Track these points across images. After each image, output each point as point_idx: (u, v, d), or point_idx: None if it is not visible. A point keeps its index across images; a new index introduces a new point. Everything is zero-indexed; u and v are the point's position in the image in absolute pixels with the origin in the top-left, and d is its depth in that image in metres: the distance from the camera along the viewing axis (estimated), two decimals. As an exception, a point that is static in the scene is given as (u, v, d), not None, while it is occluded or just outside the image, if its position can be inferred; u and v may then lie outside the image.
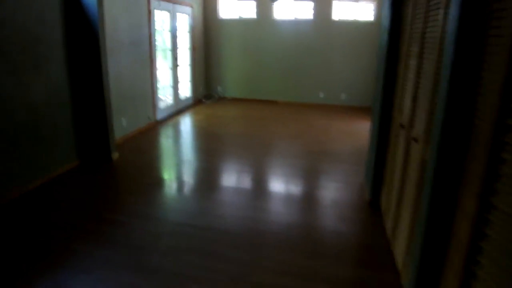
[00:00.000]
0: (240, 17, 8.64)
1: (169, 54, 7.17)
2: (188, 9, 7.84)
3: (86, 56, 4.50)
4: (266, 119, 7.37)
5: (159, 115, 6.87)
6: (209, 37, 8.94)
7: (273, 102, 8.89)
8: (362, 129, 6.66)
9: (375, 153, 3.54)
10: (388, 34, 3.15)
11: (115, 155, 4.91)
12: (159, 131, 6.44)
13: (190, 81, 8.30)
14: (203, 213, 3.54)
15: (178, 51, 7.49)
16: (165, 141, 6.17)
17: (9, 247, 2.91)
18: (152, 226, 3.26)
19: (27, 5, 3.75)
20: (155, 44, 6.46)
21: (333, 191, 4.12)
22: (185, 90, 8.22)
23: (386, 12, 3.27)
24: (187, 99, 8.22)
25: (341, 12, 8.14)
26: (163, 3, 6.67)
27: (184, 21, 7.77)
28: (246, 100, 9.03)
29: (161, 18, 6.79)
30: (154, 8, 6.35)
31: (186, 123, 7.23)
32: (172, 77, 7.34)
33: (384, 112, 3.38)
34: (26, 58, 3.81)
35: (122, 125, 5.63)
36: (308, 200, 3.93)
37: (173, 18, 7.14)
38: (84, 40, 4.45)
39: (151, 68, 6.39)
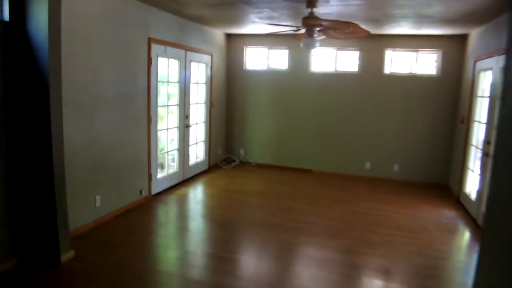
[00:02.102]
0: (269, 68, 7.29)
1: (176, 110, 5.79)
2: (206, 58, 6.57)
3: (31, 117, 3.13)
4: (295, 199, 5.60)
5: (156, 188, 5.33)
6: (232, 90, 7.56)
7: (306, 171, 7.17)
8: (426, 221, 4.75)
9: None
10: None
11: (68, 255, 3.36)
12: (152, 213, 4.85)
13: (205, 141, 6.85)
14: None
15: (191, 107, 6.12)
16: (154, 230, 4.50)
17: None
18: None
19: None
20: (156, 99, 5.12)
21: None
22: (199, 153, 6.75)
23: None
24: (199, 163, 6.70)
25: (395, 64, 6.57)
26: (171, 49, 5.40)
27: (200, 72, 6.48)
28: (273, 167, 7.37)
29: (167, 67, 5.51)
30: (158, 55, 5.08)
31: (191, 200, 5.62)
32: (179, 139, 5.90)
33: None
34: None
35: (96, 205, 4.13)
36: None
37: (185, 68, 5.84)
38: (30, 95, 3.10)
39: (149, 129, 4.98)
